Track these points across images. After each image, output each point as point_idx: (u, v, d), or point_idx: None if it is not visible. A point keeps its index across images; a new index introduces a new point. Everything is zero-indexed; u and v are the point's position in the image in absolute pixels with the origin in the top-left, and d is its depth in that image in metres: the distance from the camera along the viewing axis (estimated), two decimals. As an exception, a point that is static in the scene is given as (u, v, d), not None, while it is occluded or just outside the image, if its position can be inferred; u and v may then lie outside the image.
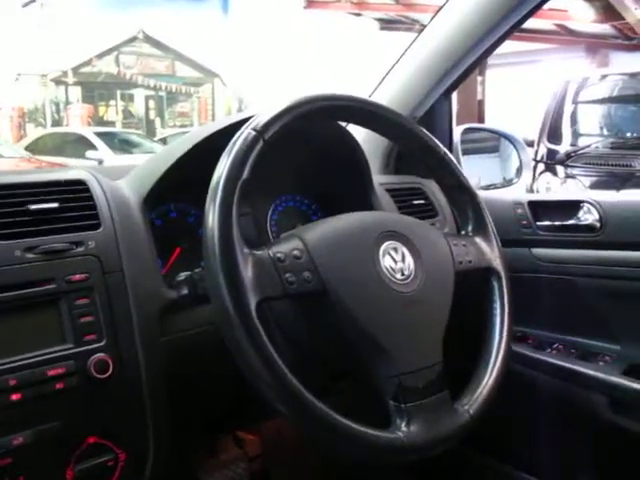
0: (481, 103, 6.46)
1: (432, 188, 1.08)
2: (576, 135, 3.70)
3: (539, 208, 1.01)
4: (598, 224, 0.93)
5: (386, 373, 0.62)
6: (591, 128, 3.90)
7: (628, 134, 3.68)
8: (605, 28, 9.83)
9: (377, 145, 1.11)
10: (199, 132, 0.80)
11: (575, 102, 3.84)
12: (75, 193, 0.69)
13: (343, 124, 0.86)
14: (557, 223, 0.98)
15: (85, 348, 0.62)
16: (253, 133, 0.62)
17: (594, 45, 10.90)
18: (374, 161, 1.10)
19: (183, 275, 0.69)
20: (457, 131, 1.23)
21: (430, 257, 0.70)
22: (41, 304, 0.62)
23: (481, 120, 6.02)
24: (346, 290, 0.62)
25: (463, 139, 1.26)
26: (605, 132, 3.86)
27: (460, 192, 0.79)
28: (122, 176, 0.81)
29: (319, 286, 0.61)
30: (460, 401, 0.66)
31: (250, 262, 0.57)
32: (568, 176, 3.29)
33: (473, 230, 0.78)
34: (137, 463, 0.66)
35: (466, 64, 1.03)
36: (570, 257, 0.96)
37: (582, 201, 0.96)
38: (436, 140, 0.78)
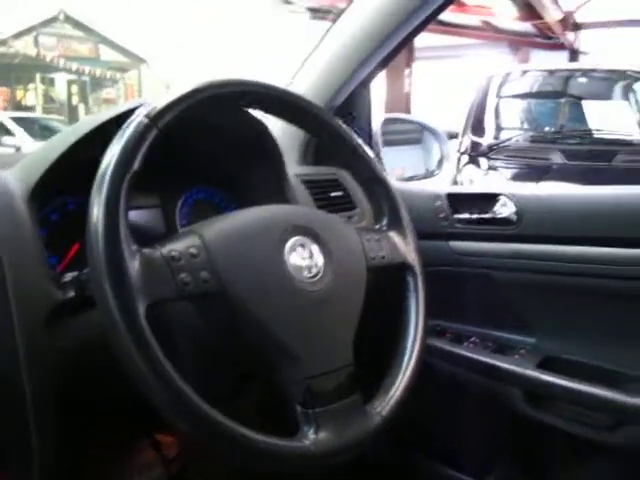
0: (408, 95, 6.56)
1: (351, 180, 1.04)
2: (499, 128, 3.79)
3: (457, 201, 1.00)
4: (515, 217, 0.92)
5: (293, 377, 0.58)
6: (512, 122, 4.02)
7: (546, 128, 3.82)
8: (527, 27, 10.23)
9: (294, 136, 1.06)
10: (94, 119, 0.73)
11: (498, 96, 3.94)
12: None
13: (252, 112, 0.81)
14: (475, 216, 0.97)
15: None
16: (145, 121, 0.56)
17: (516, 42, 11.31)
18: (291, 153, 1.06)
19: (70, 276, 0.62)
20: (378, 122, 1.20)
21: (341, 254, 0.66)
22: None
23: (408, 112, 6.10)
24: (248, 291, 0.57)
25: (388, 130, 1.24)
26: (525, 126, 3.99)
27: (374, 184, 0.76)
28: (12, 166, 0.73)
29: (218, 287, 0.56)
30: (372, 403, 0.63)
31: (138, 261, 0.52)
32: (490, 168, 3.37)
33: (388, 224, 0.75)
34: None
35: (381, 55, 1.00)
36: (487, 250, 0.96)
37: (499, 194, 0.95)
38: (349, 130, 0.75)
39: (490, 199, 0.96)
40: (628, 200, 0.87)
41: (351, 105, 1.07)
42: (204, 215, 0.86)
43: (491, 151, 3.41)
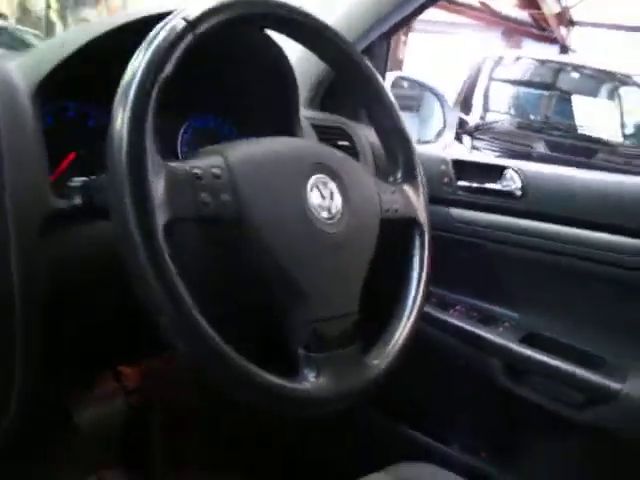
0: (401, 63, 6.49)
1: (357, 131, 1.02)
2: (486, 110, 3.80)
3: (463, 168, 0.98)
4: (519, 192, 0.92)
5: (300, 318, 0.56)
6: (501, 105, 4.04)
7: (532, 117, 3.85)
8: (524, 15, 10.21)
9: (306, 77, 1.02)
10: (112, 20, 0.67)
11: (490, 78, 3.94)
12: None
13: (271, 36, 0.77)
14: (478, 185, 0.96)
15: None
16: (183, 23, 0.52)
17: (510, 29, 11.28)
18: (301, 93, 1.02)
19: (78, 181, 0.57)
20: (389, 79, 1.17)
21: (358, 199, 0.64)
22: None
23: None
24: (266, 221, 0.55)
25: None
26: (512, 112, 4.01)
27: (393, 133, 0.74)
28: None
29: (237, 212, 0.53)
30: (370, 355, 0.63)
31: (163, 175, 0.48)
32: (473, 148, 3.38)
33: (402, 177, 0.73)
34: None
35: (411, 7, 0.96)
36: (487, 221, 0.95)
37: (507, 167, 0.94)
38: (375, 71, 0.72)
39: (497, 170, 0.95)
40: (632, 190, 0.87)
41: (369, 55, 1.03)
42: (205, 142, 0.83)
43: (477, 130, 3.42)
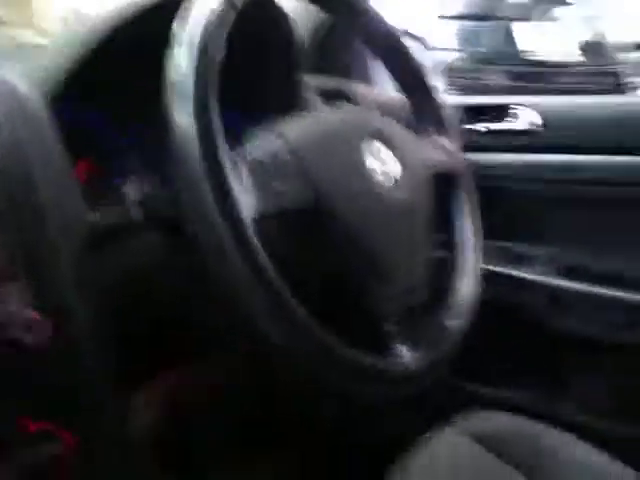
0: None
1: (359, 92, 0.98)
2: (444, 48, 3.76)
3: (475, 112, 0.96)
4: (541, 128, 0.90)
5: (388, 293, 0.54)
6: (454, 42, 4.00)
7: (485, 50, 3.82)
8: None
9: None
10: (114, 14, 0.61)
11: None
12: None
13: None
14: (498, 127, 0.94)
15: None
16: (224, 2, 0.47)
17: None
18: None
19: (134, 194, 0.52)
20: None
21: (412, 160, 0.62)
22: None
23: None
24: (344, 204, 0.52)
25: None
26: (466, 47, 3.98)
27: (420, 89, 0.72)
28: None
29: (313, 200, 0.50)
30: (447, 316, 0.61)
31: (242, 169, 0.45)
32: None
33: (437, 130, 0.71)
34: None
35: None
36: (508, 161, 0.94)
37: (520, 104, 0.92)
38: (396, 29, 0.69)
39: (511, 109, 0.94)
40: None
41: None
42: None
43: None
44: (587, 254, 0.91)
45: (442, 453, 0.62)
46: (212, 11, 0.46)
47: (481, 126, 0.96)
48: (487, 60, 3.59)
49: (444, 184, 0.70)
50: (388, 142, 0.59)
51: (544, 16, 4.11)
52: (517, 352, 0.93)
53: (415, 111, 0.73)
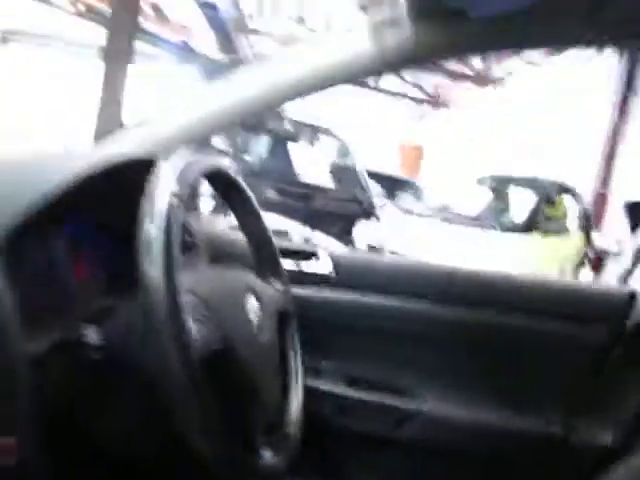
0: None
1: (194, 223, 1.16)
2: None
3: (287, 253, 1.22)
4: (332, 273, 1.20)
5: (258, 413, 0.74)
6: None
7: (257, 162, 4.28)
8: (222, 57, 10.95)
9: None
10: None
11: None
12: None
13: None
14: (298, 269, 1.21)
15: None
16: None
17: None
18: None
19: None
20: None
21: (268, 306, 0.83)
22: None
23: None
24: (239, 344, 0.71)
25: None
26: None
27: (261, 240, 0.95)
28: None
29: (220, 340, 0.70)
30: (288, 428, 0.83)
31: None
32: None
33: (273, 274, 0.94)
34: None
35: None
36: (307, 294, 1.20)
37: (316, 252, 1.21)
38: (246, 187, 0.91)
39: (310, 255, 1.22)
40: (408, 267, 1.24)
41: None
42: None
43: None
44: (369, 369, 1.20)
45: None
46: (171, 192, 0.64)
47: (291, 266, 1.21)
48: (258, 174, 4.06)
49: (280, 321, 0.91)
50: (257, 296, 0.79)
51: (311, 140, 4.80)
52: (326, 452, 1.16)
53: (257, 258, 0.94)
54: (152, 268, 0.60)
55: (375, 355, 1.21)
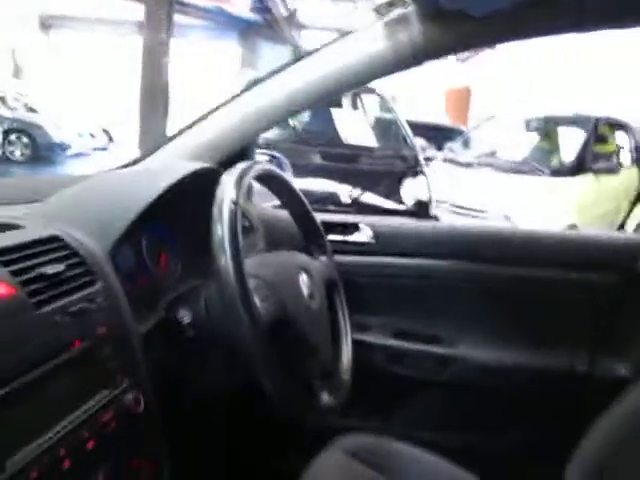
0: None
1: (251, 211, 1.34)
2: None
3: (329, 226, 1.38)
4: (372, 240, 1.36)
5: (314, 363, 0.95)
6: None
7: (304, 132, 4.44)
8: (258, 19, 10.98)
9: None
10: (160, 174, 0.97)
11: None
12: (58, 251, 0.74)
13: None
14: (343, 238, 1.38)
15: (121, 389, 0.73)
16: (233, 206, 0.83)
17: (245, 32, 11.99)
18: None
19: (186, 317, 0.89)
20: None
21: (316, 279, 1.01)
22: (76, 361, 0.68)
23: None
24: (295, 312, 0.91)
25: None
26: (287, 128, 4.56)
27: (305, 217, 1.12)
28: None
29: (281, 310, 0.89)
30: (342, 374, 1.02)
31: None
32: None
33: (319, 250, 1.12)
34: None
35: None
36: (354, 262, 1.37)
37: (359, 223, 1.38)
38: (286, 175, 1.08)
39: (354, 227, 1.38)
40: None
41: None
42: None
43: (267, 147, 3.85)
44: (411, 322, 1.38)
45: (327, 465, 0.99)
46: (231, 200, 0.81)
47: (336, 237, 1.38)
48: (303, 140, 4.21)
49: (327, 288, 1.09)
50: (307, 271, 0.97)
51: (353, 102, 4.88)
52: (376, 394, 1.35)
53: (304, 237, 1.12)
54: (224, 259, 0.78)
55: (415, 309, 1.38)
